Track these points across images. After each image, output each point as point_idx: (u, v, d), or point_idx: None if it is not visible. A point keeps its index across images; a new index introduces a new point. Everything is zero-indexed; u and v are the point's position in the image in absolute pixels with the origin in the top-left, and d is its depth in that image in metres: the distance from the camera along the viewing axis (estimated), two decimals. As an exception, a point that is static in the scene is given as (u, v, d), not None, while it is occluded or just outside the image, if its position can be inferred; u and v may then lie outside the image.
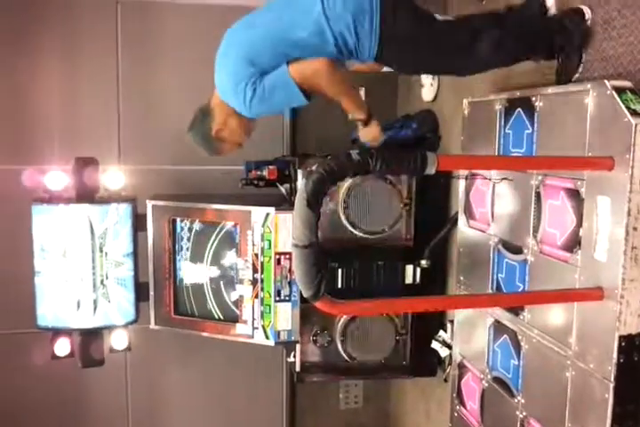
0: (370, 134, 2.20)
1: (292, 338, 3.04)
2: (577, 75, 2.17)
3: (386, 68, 3.16)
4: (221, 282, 3.20)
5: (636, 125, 1.69)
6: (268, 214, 2.95)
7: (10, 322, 3.53)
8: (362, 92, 3.84)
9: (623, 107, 1.74)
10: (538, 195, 2.14)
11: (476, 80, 2.83)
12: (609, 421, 1.77)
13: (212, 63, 3.79)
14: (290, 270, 2.95)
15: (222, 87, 2.17)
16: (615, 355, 1.75)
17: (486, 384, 2.51)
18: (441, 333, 3.14)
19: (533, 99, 2.18)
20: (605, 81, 1.82)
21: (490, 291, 2.47)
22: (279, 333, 3.01)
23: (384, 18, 1.99)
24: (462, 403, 2.73)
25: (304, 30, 2.01)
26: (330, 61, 2.02)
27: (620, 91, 1.79)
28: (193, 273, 3.26)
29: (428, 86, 3.38)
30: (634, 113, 1.72)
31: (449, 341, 3.06)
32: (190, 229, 3.23)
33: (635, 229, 1.72)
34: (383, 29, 2.00)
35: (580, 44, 2.15)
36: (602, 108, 1.84)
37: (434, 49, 2.10)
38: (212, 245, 3.21)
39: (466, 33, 2.09)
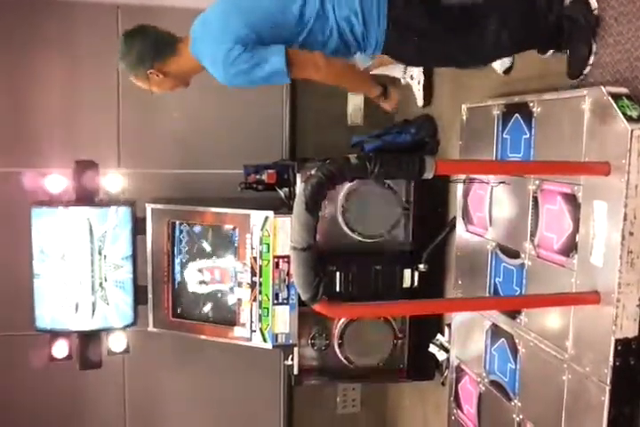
0: (393, 104, 2.18)
1: (290, 341, 3.04)
2: (588, 67, 2.13)
3: (376, 71, 3.21)
4: (219, 285, 3.21)
5: (632, 131, 1.71)
6: (266, 218, 2.96)
7: (8, 324, 3.53)
8: (360, 97, 3.88)
9: (619, 113, 1.76)
10: (535, 199, 2.15)
11: (475, 85, 2.86)
12: (605, 424, 1.78)
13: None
14: (288, 274, 2.97)
15: (206, 34, 2.02)
16: (611, 358, 1.76)
17: (483, 388, 2.52)
18: (438, 336, 3.15)
19: (531, 104, 2.19)
20: (602, 87, 1.84)
21: (487, 295, 2.48)
22: (277, 336, 3.02)
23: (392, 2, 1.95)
24: (459, 407, 2.74)
25: (309, 14, 1.95)
26: (325, 57, 1.97)
27: (616, 97, 1.80)
28: (191, 276, 3.27)
29: (417, 91, 3.40)
30: (630, 119, 1.74)
31: (446, 344, 3.07)
32: (189, 233, 3.24)
33: (631, 233, 1.73)
34: (391, 14, 1.96)
35: (589, 33, 2.09)
36: (598, 114, 1.85)
37: (438, 36, 2.04)
38: (211, 248, 3.22)
39: (470, 20, 2.04)
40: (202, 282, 3.24)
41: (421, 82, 3.33)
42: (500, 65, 2.70)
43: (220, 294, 3.21)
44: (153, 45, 2.12)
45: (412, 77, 3.37)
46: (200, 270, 3.23)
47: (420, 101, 3.40)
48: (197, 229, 3.23)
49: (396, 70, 3.33)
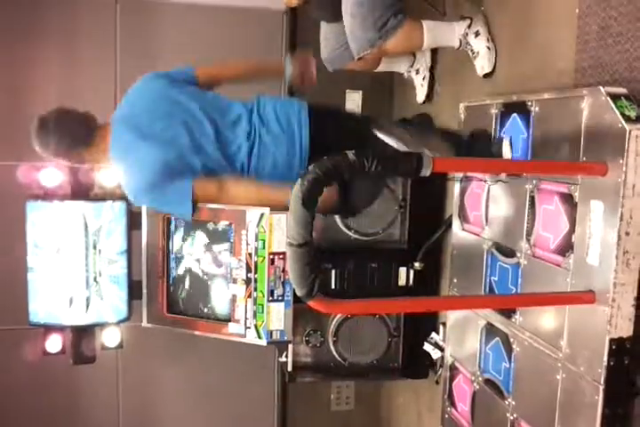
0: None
1: (285, 338, 3.03)
2: None
3: (380, 68, 3.20)
4: (215, 281, 3.20)
5: (629, 131, 1.71)
6: (262, 215, 2.95)
7: (1, 318, 3.53)
8: (358, 94, 3.88)
9: (617, 113, 1.76)
10: (532, 199, 2.16)
11: (474, 84, 2.85)
12: (598, 423, 1.78)
13: (211, 59, 3.78)
14: (284, 270, 2.95)
15: (126, 152, 2.16)
16: (606, 358, 1.76)
17: (477, 386, 2.52)
18: (433, 335, 3.15)
19: (529, 103, 2.19)
20: (600, 87, 1.83)
21: (482, 294, 2.48)
22: (271, 332, 3.01)
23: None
24: (453, 405, 2.74)
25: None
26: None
27: (614, 97, 1.80)
28: (186, 272, 3.26)
29: (419, 87, 3.39)
30: (628, 119, 1.74)
31: (441, 343, 3.07)
32: (185, 228, 3.23)
33: (627, 233, 1.74)
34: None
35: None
36: (596, 114, 1.85)
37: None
38: (206, 244, 3.21)
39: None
40: (201, 274, 3.23)
41: (427, 78, 3.31)
42: (480, 69, 2.71)
43: (214, 290, 3.20)
44: (68, 145, 2.19)
45: (417, 72, 3.34)
46: (198, 260, 3.23)
47: (421, 97, 3.37)
48: (193, 224, 3.22)
49: (400, 65, 3.30)
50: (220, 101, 2.21)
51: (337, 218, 3.03)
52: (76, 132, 2.15)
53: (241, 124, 2.15)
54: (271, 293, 2.98)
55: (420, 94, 3.37)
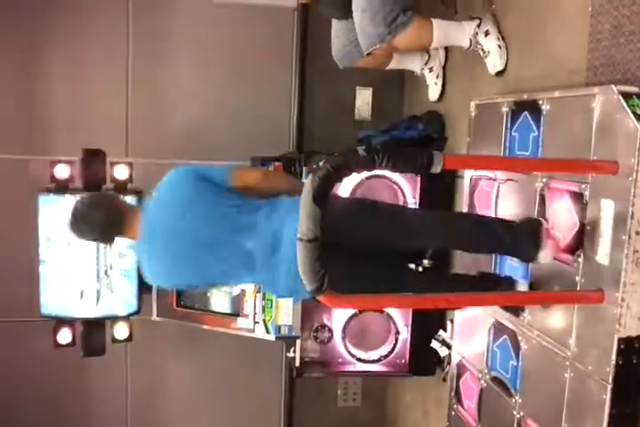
0: None
1: (293, 333, 3.05)
2: None
3: (391, 65, 3.20)
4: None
5: (641, 131, 1.71)
6: (272, 210, 2.96)
7: (14, 310, 3.56)
8: (369, 91, 3.88)
9: (629, 112, 1.75)
10: (542, 197, 2.15)
11: (485, 82, 2.85)
12: (605, 423, 1.78)
13: (222, 56, 3.78)
14: (293, 266, 2.97)
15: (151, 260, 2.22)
16: (614, 357, 1.76)
17: (484, 384, 2.52)
18: (440, 332, 3.15)
19: (540, 102, 2.19)
20: (612, 86, 1.83)
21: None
22: (280, 327, 3.03)
23: None
24: (460, 402, 2.74)
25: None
26: None
27: (626, 96, 1.80)
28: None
29: (432, 85, 3.38)
30: (639, 118, 1.74)
31: (448, 340, 3.07)
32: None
33: (637, 233, 1.73)
34: None
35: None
36: (608, 112, 1.85)
37: None
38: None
39: None
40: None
41: (440, 76, 3.30)
42: (491, 67, 2.70)
43: (223, 285, 3.22)
44: (102, 233, 2.23)
45: (430, 70, 3.32)
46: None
47: (435, 95, 3.35)
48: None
49: (414, 63, 3.29)
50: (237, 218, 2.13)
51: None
52: (105, 225, 2.19)
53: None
54: (280, 288, 3.00)
55: (434, 92, 3.36)
